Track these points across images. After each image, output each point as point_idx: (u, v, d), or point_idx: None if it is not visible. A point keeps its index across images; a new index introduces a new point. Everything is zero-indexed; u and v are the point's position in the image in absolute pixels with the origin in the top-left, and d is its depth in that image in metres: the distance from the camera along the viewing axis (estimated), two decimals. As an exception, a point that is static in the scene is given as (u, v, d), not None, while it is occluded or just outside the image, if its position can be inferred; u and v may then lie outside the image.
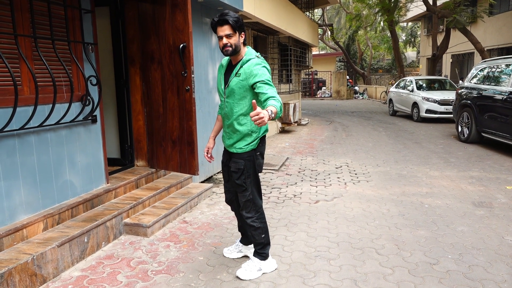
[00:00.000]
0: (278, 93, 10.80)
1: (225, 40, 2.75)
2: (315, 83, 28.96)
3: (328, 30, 29.64)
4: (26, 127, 3.12)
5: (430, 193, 5.08)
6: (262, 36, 10.14)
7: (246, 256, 3.33)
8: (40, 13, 3.26)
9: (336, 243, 3.61)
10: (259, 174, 3.20)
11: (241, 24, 2.79)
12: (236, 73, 2.81)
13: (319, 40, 26.42)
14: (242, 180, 2.93)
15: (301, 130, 11.49)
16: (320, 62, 29.90)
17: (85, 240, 3.33)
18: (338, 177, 5.99)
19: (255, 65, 2.75)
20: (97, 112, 3.94)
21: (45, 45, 3.32)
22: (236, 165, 2.93)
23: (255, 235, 3.02)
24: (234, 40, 2.76)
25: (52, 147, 3.44)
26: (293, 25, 10.32)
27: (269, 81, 2.70)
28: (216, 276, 3.04)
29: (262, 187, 5.42)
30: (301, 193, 5.22)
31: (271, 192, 5.25)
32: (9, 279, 2.65)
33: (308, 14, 13.60)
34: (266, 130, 2.96)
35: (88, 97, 3.75)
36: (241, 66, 2.80)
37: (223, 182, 3.27)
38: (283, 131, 11.15)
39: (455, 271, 3.06)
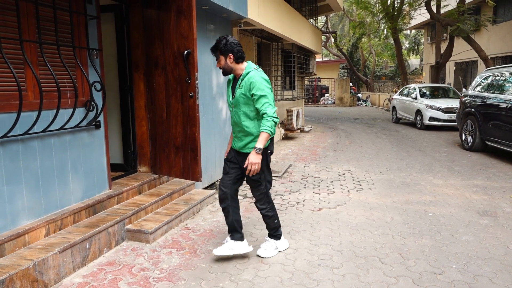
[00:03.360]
0: (281, 99, 10.84)
1: (217, 64, 3.34)
2: (318, 90, 28.98)
3: (331, 37, 29.72)
4: (30, 132, 3.12)
5: (434, 202, 5.04)
6: (266, 43, 10.17)
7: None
8: (45, 18, 3.28)
9: (339, 251, 3.58)
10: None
11: (222, 48, 3.23)
12: (239, 85, 3.25)
13: (323, 47, 26.50)
14: (258, 176, 3.28)
15: (304, 137, 11.47)
16: (323, 69, 29.94)
17: (87, 246, 3.31)
18: (341, 185, 5.96)
19: (253, 78, 3.18)
20: (100, 118, 3.94)
21: (50, 51, 3.33)
22: None
23: (270, 222, 3.48)
24: (221, 63, 3.30)
25: (55, 153, 3.44)
26: (296, 32, 10.34)
27: (264, 91, 3.13)
28: (218, 283, 3.02)
29: (265, 194, 5.43)
30: (304, 200, 5.19)
31: (274, 199, 5.20)
32: (10, 285, 2.63)
33: (311, 21, 13.64)
34: (274, 132, 3.23)
35: (92, 103, 3.76)
36: (242, 79, 3.24)
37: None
38: (286, 137, 11.13)
39: (460, 281, 3.02)
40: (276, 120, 3.12)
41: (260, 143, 3.11)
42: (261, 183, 3.33)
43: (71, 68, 3.55)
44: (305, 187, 5.85)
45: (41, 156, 3.30)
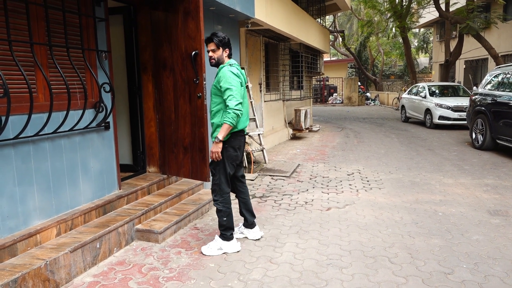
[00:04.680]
0: (289, 99, 10.82)
1: (210, 54, 3.51)
2: (326, 90, 28.89)
3: (339, 36, 29.59)
4: (40, 133, 3.16)
5: (444, 201, 5.00)
6: (274, 43, 10.17)
7: (246, 238, 3.86)
8: (55, 21, 3.32)
9: (348, 251, 3.57)
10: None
11: (225, 42, 3.50)
12: (215, 78, 3.50)
13: (331, 47, 26.43)
14: (212, 166, 3.53)
15: (312, 137, 11.45)
16: (331, 68, 29.80)
17: (97, 246, 3.35)
18: (350, 184, 5.94)
19: (222, 71, 3.42)
20: (110, 119, 3.98)
21: (60, 53, 3.37)
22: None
23: (219, 217, 3.55)
24: (217, 54, 3.50)
25: (65, 153, 3.49)
26: (304, 32, 10.32)
27: (229, 84, 3.32)
28: (227, 283, 3.03)
29: (273, 193, 5.44)
30: (312, 200, 5.19)
31: (282, 199, 5.23)
32: (23, 284, 2.67)
33: (319, 20, 13.60)
34: (234, 124, 3.34)
35: (102, 104, 3.80)
36: (217, 73, 3.49)
37: None
38: (294, 137, 11.12)
39: (470, 281, 3.00)
40: (237, 112, 3.28)
41: (220, 133, 3.33)
42: (215, 173, 3.51)
43: (81, 70, 3.59)
44: (313, 187, 5.84)
45: (52, 157, 3.35)
